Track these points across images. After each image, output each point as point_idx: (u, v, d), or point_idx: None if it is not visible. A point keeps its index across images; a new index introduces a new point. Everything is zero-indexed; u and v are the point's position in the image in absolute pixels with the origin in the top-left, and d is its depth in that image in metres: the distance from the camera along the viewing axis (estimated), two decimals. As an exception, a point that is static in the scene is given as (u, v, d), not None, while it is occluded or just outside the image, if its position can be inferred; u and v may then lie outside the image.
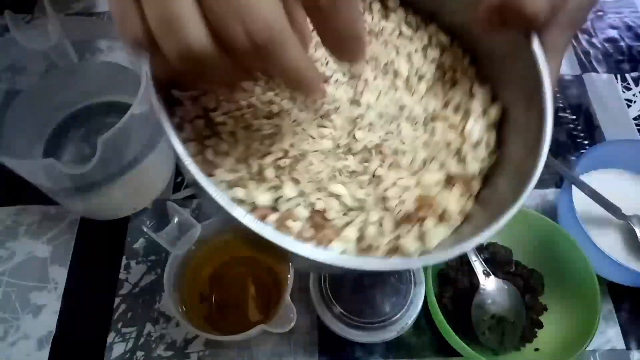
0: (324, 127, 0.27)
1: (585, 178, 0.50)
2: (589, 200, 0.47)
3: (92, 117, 0.54)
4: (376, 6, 0.33)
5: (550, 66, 0.24)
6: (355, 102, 0.28)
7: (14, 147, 0.47)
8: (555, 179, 0.55)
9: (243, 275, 0.47)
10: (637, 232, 0.46)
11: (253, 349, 0.46)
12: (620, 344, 0.47)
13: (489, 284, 0.43)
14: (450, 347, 0.41)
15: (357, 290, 0.41)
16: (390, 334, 0.39)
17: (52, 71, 0.49)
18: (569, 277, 0.45)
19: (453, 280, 0.46)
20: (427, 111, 0.28)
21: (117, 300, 0.48)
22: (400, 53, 0.30)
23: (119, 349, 0.46)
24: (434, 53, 0.31)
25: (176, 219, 0.42)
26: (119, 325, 0.47)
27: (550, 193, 0.55)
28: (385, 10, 0.33)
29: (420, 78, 0.30)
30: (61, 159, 0.52)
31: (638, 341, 0.47)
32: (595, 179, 0.50)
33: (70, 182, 0.43)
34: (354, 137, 0.27)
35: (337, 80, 0.29)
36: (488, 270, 0.43)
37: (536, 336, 0.45)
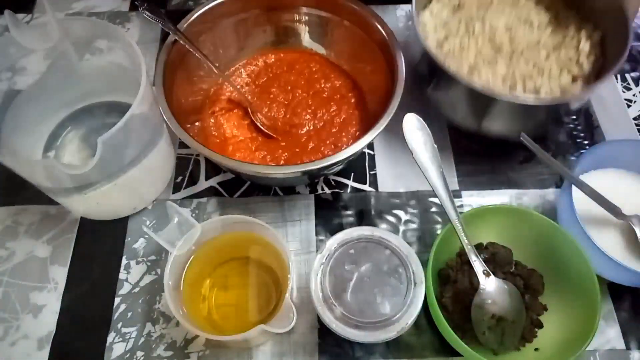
0: None
1: (585, 178, 0.50)
2: (588, 200, 0.47)
3: (92, 117, 0.54)
4: None
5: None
6: (516, 39, 0.53)
7: (14, 146, 0.47)
8: (555, 179, 0.55)
9: (243, 275, 0.47)
10: (637, 232, 0.46)
11: (253, 349, 0.46)
12: (620, 344, 0.47)
13: (489, 284, 0.43)
14: (450, 347, 0.41)
15: (357, 290, 0.41)
16: (390, 334, 0.39)
17: (52, 71, 0.49)
18: (569, 277, 0.45)
19: (453, 280, 0.46)
20: (554, 41, 0.54)
21: (117, 300, 0.48)
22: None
23: (119, 348, 0.46)
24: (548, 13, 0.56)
25: (176, 219, 0.42)
26: (119, 325, 0.47)
27: (550, 193, 0.55)
28: None
29: (547, 24, 0.55)
30: (61, 158, 0.52)
31: (638, 341, 0.47)
32: (595, 178, 0.50)
33: (70, 182, 0.43)
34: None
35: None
36: (488, 270, 0.43)
37: (536, 336, 0.45)
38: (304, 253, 0.51)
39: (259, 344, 0.46)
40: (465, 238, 0.43)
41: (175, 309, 0.39)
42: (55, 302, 0.48)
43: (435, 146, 0.45)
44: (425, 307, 0.42)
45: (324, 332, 0.46)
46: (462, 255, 0.47)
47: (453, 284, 0.46)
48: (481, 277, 0.43)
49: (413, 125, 0.46)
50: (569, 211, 0.45)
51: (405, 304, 0.40)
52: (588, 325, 0.41)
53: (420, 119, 0.46)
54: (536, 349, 0.44)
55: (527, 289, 0.46)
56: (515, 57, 0.52)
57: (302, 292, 0.48)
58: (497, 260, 0.47)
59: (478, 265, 0.43)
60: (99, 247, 0.51)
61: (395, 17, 0.68)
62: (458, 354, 0.42)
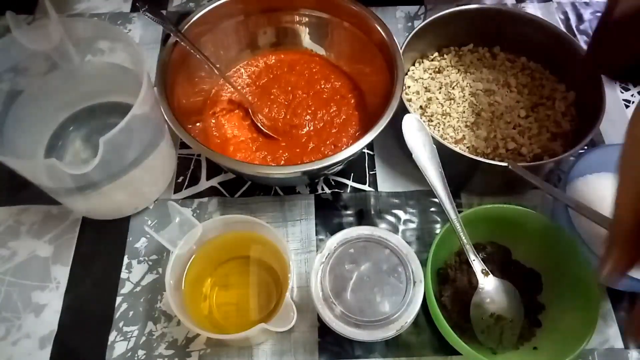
0: None
1: (580, 182, 0.49)
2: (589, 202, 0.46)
3: (94, 117, 0.54)
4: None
5: None
6: (496, 101, 0.56)
7: (16, 147, 0.47)
8: (554, 179, 0.56)
9: (244, 275, 0.47)
10: None
11: (254, 348, 0.46)
12: (618, 344, 0.47)
13: (488, 283, 0.43)
14: (449, 346, 0.42)
15: (356, 290, 0.41)
16: (389, 332, 0.40)
17: (54, 72, 0.49)
18: (568, 277, 0.45)
19: (452, 280, 0.46)
20: (532, 102, 0.56)
21: (118, 299, 0.48)
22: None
23: (120, 347, 0.46)
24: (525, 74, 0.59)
25: (177, 219, 0.43)
26: (121, 324, 0.47)
27: (549, 193, 0.55)
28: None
29: (524, 86, 0.58)
30: (63, 159, 0.52)
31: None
32: (592, 182, 0.50)
33: (72, 182, 0.43)
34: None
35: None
36: (486, 269, 0.44)
37: (535, 335, 0.45)
38: (304, 252, 0.51)
39: (260, 343, 0.46)
40: (464, 237, 0.43)
41: (176, 307, 0.39)
42: (57, 301, 0.48)
43: (435, 146, 0.46)
44: (424, 306, 0.43)
45: (324, 330, 0.46)
46: (461, 255, 0.48)
47: (452, 283, 0.46)
48: (480, 277, 0.43)
49: (413, 126, 0.46)
50: (569, 227, 0.44)
51: (404, 303, 0.40)
52: (587, 324, 0.41)
53: (420, 119, 0.46)
54: (535, 348, 0.44)
55: (525, 289, 0.46)
56: (495, 120, 0.54)
57: (303, 291, 0.48)
58: (495, 260, 0.47)
59: (477, 265, 0.43)
60: (100, 247, 0.51)
61: (395, 18, 0.69)
62: (457, 353, 0.42)
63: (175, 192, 0.54)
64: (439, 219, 0.53)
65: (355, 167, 0.56)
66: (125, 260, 0.50)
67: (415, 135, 0.46)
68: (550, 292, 0.47)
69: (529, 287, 0.47)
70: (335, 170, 0.54)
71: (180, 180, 0.55)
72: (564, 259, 0.45)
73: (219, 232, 0.44)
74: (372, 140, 0.46)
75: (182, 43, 0.51)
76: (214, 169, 0.56)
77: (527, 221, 0.47)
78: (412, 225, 0.53)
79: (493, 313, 0.43)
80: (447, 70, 0.59)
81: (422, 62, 0.61)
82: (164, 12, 0.70)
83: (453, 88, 0.57)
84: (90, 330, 0.47)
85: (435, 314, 0.41)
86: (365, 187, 0.55)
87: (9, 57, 0.45)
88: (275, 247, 0.44)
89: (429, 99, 0.57)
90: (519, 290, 0.45)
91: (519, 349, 0.44)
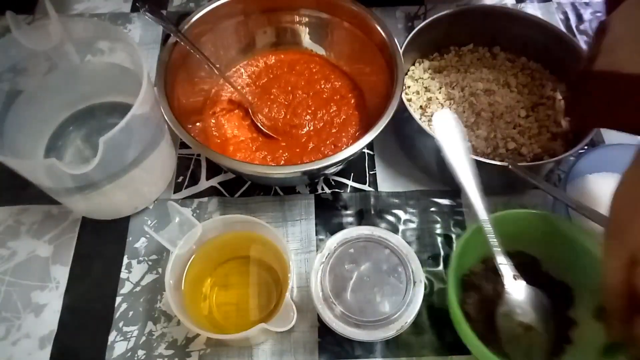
0: None
1: (580, 182, 0.49)
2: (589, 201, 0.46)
3: (94, 117, 0.54)
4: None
5: None
6: (496, 101, 0.55)
7: (16, 147, 0.47)
8: (554, 179, 0.56)
9: (244, 275, 0.47)
10: None
11: (253, 348, 0.46)
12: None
13: (518, 290, 0.41)
14: (449, 346, 0.41)
15: (356, 290, 0.41)
16: (389, 332, 0.40)
17: (54, 72, 0.49)
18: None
19: (477, 287, 0.44)
20: (532, 101, 0.56)
21: (118, 299, 0.48)
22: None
23: (120, 347, 0.46)
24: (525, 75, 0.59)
25: (177, 219, 0.43)
26: (121, 324, 0.47)
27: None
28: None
29: (524, 86, 0.58)
30: (63, 159, 0.52)
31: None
32: (592, 182, 0.50)
33: (71, 182, 0.43)
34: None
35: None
36: (517, 274, 0.41)
37: (564, 352, 0.42)
38: (304, 252, 0.51)
39: (260, 343, 0.46)
40: (494, 239, 0.41)
41: (176, 308, 0.39)
42: (57, 301, 0.48)
43: (468, 143, 0.45)
44: (426, 307, 0.42)
45: (324, 330, 0.46)
46: (487, 262, 0.45)
47: (477, 291, 0.44)
48: (510, 282, 0.41)
49: (447, 121, 0.45)
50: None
51: (404, 303, 0.40)
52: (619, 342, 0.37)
53: (454, 114, 0.45)
54: None
55: (555, 302, 0.43)
56: (495, 120, 0.54)
57: (303, 291, 0.48)
58: (523, 270, 0.43)
59: (507, 270, 0.41)
60: (100, 247, 0.51)
61: (395, 19, 0.69)
62: (457, 353, 0.42)
63: (175, 192, 0.54)
64: (439, 219, 0.53)
65: (355, 167, 0.56)
66: (125, 260, 0.50)
67: (450, 130, 0.45)
68: (583, 308, 0.44)
69: (558, 301, 0.43)
70: (335, 170, 0.54)
71: (180, 180, 0.55)
72: (597, 274, 0.39)
73: (219, 232, 0.44)
74: (372, 140, 0.46)
75: (182, 43, 0.51)
76: (214, 169, 0.56)
77: (559, 230, 0.44)
78: (412, 225, 0.53)
79: (522, 322, 0.41)
80: (447, 70, 0.60)
81: (422, 62, 0.61)
82: (164, 12, 0.70)
83: (453, 88, 0.57)
84: (90, 330, 0.47)
85: (459, 322, 0.39)
86: (365, 187, 0.55)
87: (9, 57, 0.45)
88: (275, 247, 0.44)
89: (429, 99, 0.57)
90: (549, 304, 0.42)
91: None
